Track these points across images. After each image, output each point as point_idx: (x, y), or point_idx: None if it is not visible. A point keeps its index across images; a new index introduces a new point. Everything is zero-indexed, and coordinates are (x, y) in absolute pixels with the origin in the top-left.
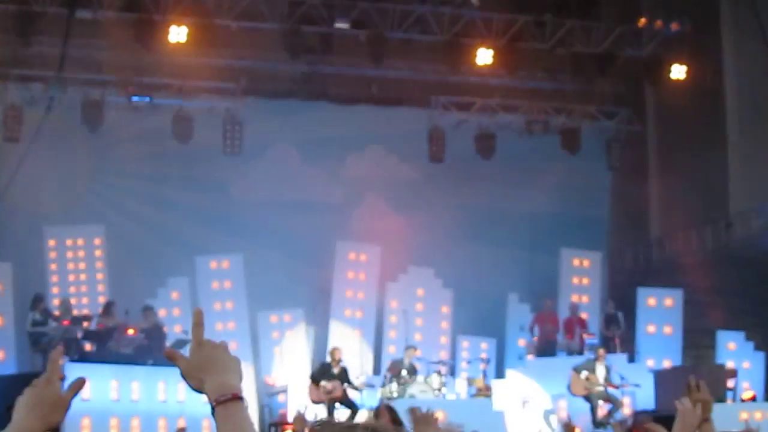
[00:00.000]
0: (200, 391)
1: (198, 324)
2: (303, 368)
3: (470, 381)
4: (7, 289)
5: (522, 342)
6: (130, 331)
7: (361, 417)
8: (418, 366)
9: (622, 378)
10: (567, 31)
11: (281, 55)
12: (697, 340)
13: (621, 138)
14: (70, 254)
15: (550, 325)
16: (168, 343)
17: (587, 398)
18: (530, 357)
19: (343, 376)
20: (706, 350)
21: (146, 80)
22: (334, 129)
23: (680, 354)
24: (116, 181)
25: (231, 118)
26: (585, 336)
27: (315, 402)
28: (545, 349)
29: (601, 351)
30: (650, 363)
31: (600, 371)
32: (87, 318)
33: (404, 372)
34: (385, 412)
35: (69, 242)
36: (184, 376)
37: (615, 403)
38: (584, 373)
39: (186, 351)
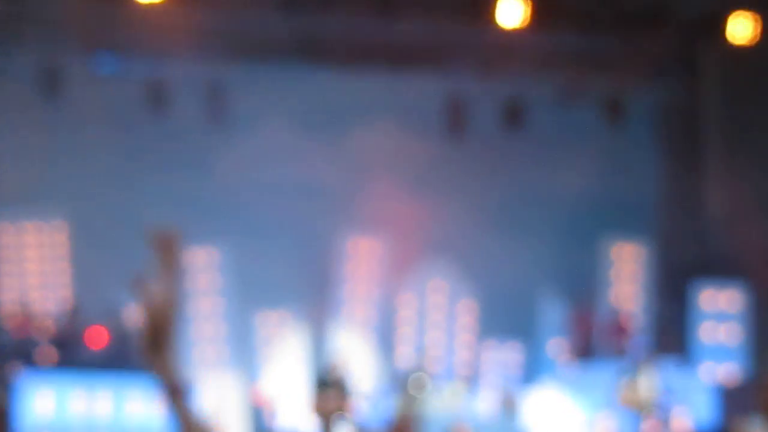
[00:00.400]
0: (151, 360)
1: (167, 246)
2: (297, 376)
3: (497, 393)
4: None
5: (555, 345)
6: (101, 335)
7: None
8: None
9: (671, 389)
10: None
11: (273, 12)
12: (764, 344)
13: (673, 107)
14: (26, 246)
15: (585, 328)
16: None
17: (633, 411)
18: (565, 358)
19: (345, 386)
20: None
21: (115, 42)
22: (336, 98)
23: (741, 359)
24: (80, 160)
25: (214, 87)
26: (628, 339)
27: (315, 415)
28: (581, 354)
29: (648, 356)
30: (705, 369)
31: (647, 379)
32: (48, 321)
33: (415, 381)
34: None
35: (25, 232)
36: (146, 333)
37: (665, 418)
38: (630, 382)
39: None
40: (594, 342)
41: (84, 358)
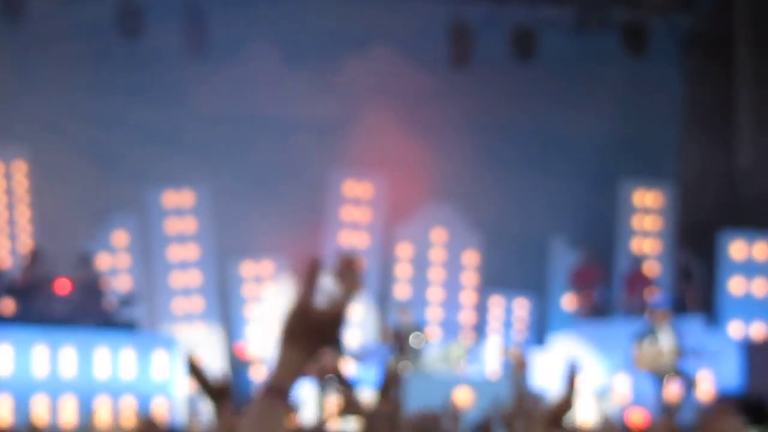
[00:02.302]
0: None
1: (349, 269)
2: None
3: (503, 352)
4: None
5: (569, 300)
6: (64, 286)
7: (363, 398)
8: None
9: (696, 350)
10: None
11: None
12: None
13: (702, 36)
14: None
15: (588, 284)
16: (110, 301)
17: (653, 374)
18: (579, 314)
19: (337, 344)
20: None
21: None
22: (327, 23)
23: None
24: (43, 90)
25: (193, 10)
26: (649, 293)
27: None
28: (597, 310)
29: (671, 313)
30: (734, 327)
31: (668, 339)
32: (6, 267)
33: (413, 339)
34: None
35: None
36: (292, 322)
37: (688, 381)
38: (649, 342)
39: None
40: (612, 296)
41: (45, 310)
